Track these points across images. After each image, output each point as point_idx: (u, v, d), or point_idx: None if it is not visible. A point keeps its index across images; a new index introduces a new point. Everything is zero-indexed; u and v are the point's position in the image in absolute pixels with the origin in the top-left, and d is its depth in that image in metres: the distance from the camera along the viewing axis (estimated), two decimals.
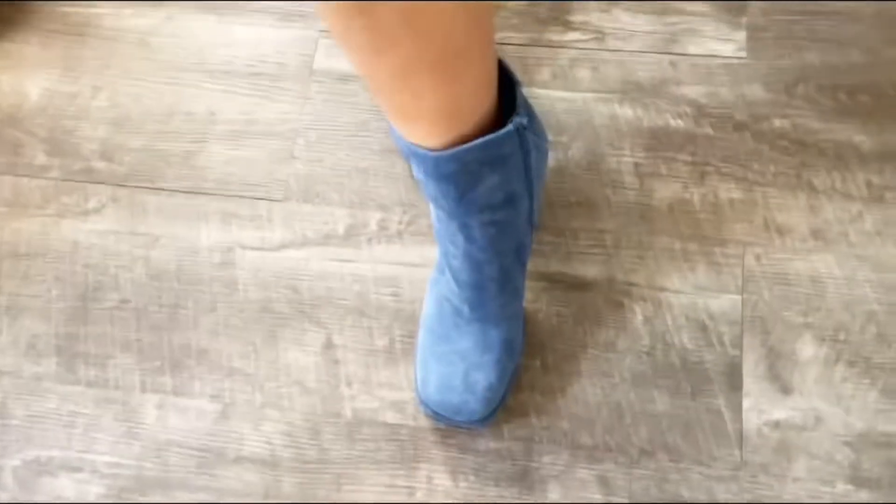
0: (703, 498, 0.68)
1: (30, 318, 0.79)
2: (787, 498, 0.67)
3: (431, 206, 0.66)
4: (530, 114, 0.63)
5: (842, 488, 0.68)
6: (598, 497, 0.69)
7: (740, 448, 0.69)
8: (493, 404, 0.69)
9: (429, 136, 0.55)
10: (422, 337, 0.72)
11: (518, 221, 0.64)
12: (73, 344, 0.78)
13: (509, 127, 0.56)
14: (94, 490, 0.72)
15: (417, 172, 0.60)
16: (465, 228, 0.63)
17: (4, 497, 0.73)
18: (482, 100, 0.55)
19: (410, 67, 0.49)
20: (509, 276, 0.67)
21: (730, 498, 0.68)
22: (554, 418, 0.72)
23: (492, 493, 0.70)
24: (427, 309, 0.72)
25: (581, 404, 0.72)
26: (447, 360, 0.69)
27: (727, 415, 0.70)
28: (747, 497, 0.68)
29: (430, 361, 0.70)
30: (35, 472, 0.74)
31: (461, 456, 0.71)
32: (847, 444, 0.69)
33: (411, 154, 0.58)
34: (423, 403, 0.70)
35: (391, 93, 0.52)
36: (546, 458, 0.70)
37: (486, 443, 0.71)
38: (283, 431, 0.73)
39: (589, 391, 0.72)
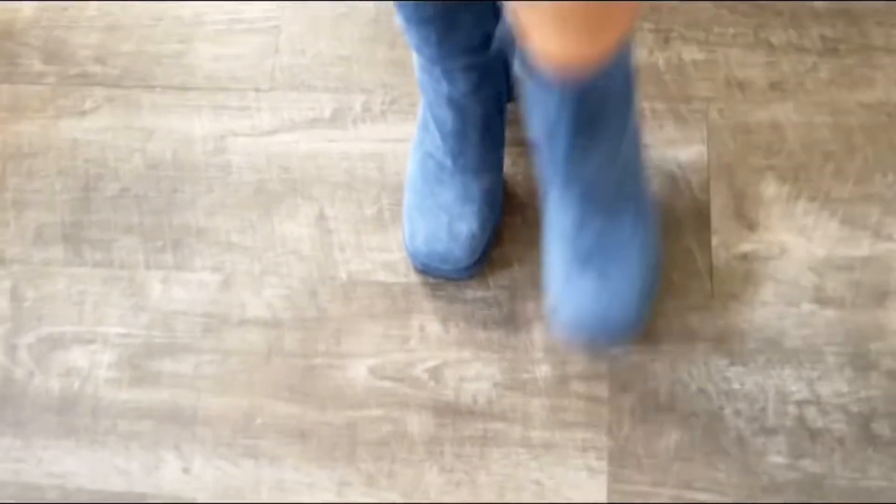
0: (676, 325, 0.72)
1: (35, 210, 0.83)
2: (756, 321, 0.72)
3: (415, 57, 0.70)
4: None
5: (807, 308, 0.72)
6: None
7: (711, 280, 0.74)
8: (477, 253, 0.73)
9: None
10: (407, 197, 0.76)
11: (497, 66, 0.69)
12: (78, 231, 0.82)
13: None
14: (106, 359, 0.77)
15: (401, 21, 0.64)
16: (447, 74, 0.67)
17: (21, 372, 0.77)
18: None
19: None
20: (490, 123, 0.72)
21: (703, 325, 0.72)
22: (536, 267, 0.76)
23: (481, 336, 0.74)
24: (411, 171, 0.76)
25: None
26: (432, 214, 0.73)
27: (697, 252, 0.75)
28: (719, 323, 0.72)
29: (415, 217, 0.74)
30: (49, 346, 0.78)
31: (450, 305, 0.75)
32: (811, 269, 0.73)
33: (395, 1, 0.62)
34: (412, 256, 0.74)
35: None
36: (530, 304, 0.75)
37: (473, 293, 0.76)
38: (282, 295, 0.78)
39: None
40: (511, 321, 0.74)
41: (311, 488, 0.71)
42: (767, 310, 0.72)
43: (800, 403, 0.69)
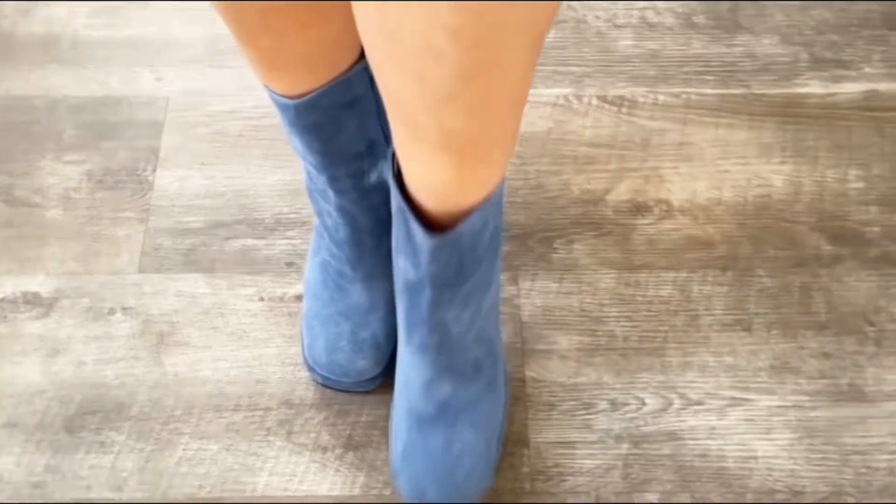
0: None
1: None
2: None
3: (303, 168, 0.67)
4: None
5: None
6: None
7: None
8: (382, 363, 0.69)
9: (294, 84, 0.56)
10: (307, 304, 0.72)
11: (384, 170, 0.64)
12: None
13: (360, 66, 0.57)
14: (84, 10, 0.90)
15: (285, 126, 0.61)
16: (333, 181, 0.63)
17: (6, 23, 0.89)
18: (348, 44, 0.55)
19: (275, 7, 0.49)
20: (386, 228, 0.67)
21: None
22: None
23: None
24: (309, 277, 0.72)
25: None
26: (333, 322, 0.69)
27: None
28: None
29: (315, 325, 0.70)
30: (31, 3, 0.90)
31: None
32: None
33: (275, 104, 0.59)
34: (311, 368, 0.70)
35: (257, 35, 0.52)
36: None
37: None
38: None
39: None
40: None
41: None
42: None
43: (642, 9, 0.91)
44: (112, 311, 0.74)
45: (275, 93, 0.57)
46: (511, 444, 0.69)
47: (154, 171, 0.81)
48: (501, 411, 0.66)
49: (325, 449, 0.68)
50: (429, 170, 0.47)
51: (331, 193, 0.64)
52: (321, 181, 0.63)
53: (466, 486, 0.63)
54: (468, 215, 0.51)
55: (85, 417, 0.69)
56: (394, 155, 0.53)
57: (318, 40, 0.53)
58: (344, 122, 0.59)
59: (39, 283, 0.75)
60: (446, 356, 0.61)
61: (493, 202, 0.52)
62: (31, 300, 0.75)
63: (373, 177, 0.64)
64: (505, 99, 0.42)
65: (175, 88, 0.86)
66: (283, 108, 0.57)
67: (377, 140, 0.62)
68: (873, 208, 0.80)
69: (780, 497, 0.66)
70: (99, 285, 0.75)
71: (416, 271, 0.56)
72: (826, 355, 0.73)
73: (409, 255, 0.55)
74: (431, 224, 0.53)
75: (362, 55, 0.58)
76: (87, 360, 0.72)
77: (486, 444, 0.64)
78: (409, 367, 0.63)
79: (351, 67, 0.57)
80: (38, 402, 0.70)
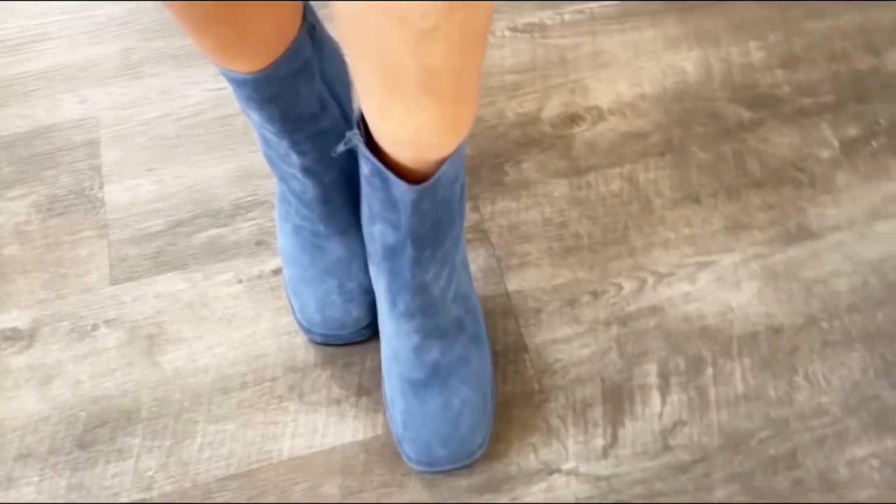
0: None
1: None
2: None
3: (258, 135, 0.67)
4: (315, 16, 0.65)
5: None
6: None
7: None
8: (374, 309, 0.71)
9: (252, 63, 0.57)
10: (288, 272, 0.73)
11: (340, 123, 0.66)
12: None
13: (303, 29, 0.60)
14: None
15: (241, 101, 0.61)
16: (295, 145, 0.64)
17: None
18: (296, 14, 0.59)
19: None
20: (352, 180, 0.69)
21: None
22: None
23: None
24: (284, 244, 0.73)
25: None
26: (319, 280, 0.71)
27: None
28: None
29: (301, 289, 0.71)
30: None
31: None
32: None
33: (230, 82, 0.59)
34: (307, 330, 0.72)
35: (220, 25, 0.53)
36: None
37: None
38: None
39: None
40: None
41: (192, 85, 0.87)
42: None
43: None
44: (95, 327, 0.74)
45: (230, 71, 0.58)
46: (511, 352, 0.72)
47: (101, 187, 0.81)
48: (489, 364, 0.69)
49: (338, 401, 0.70)
50: (409, 119, 0.49)
51: (294, 157, 0.65)
52: (283, 146, 0.65)
53: (471, 441, 0.65)
54: (441, 166, 0.54)
55: (95, 431, 0.69)
56: (359, 123, 0.55)
57: (275, 20, 0.55)
58: (299, 87, 0.61)
59: (14, 318, 0.75)
60: (431, 318, 0.64)
61: (459, 156, 0.56)
62: (11, 335, 0.74)
63: (330, 132, 0.65)
64: (478, 30, 0.45)
65: (101, 106, 0.86)
66: (240, 84, 0.58)
67: (325, 97, 0.65)
68: (778, 71, 0.87)
69: (762, 337, 0.72)
70: (75, 306, 0.75)
71: (395, 233, 0.58)
72: (770, 206, 0.79)
73: (388, 215, 0.57)
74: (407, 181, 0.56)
75: (303, 19, 0.60)
76: (82, 378, 0.72)
77: (482, 397, 0.67)
78: (395, 337, 0.65)
79: (297, 33, 0.59)
80: (45, 429, 0.70)
